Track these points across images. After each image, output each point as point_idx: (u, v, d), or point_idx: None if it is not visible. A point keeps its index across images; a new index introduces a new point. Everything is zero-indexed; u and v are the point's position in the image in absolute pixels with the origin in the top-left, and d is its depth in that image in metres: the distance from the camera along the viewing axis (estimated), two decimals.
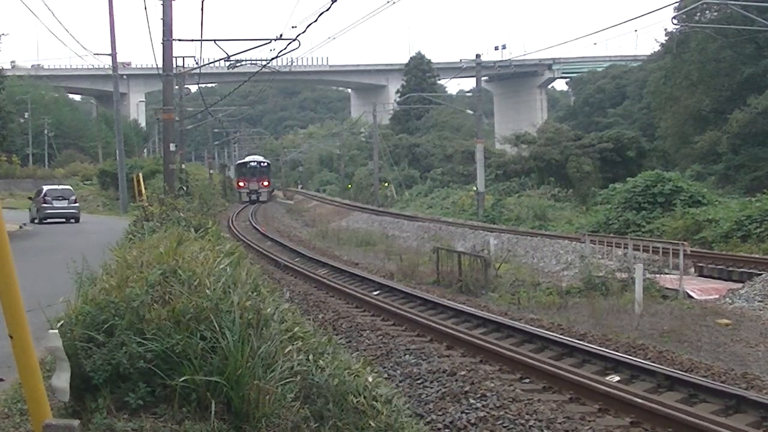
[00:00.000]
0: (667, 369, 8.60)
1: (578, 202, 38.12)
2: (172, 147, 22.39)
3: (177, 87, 32.10)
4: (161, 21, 21.38)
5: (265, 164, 59.45)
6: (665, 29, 58.63)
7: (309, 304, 13.60)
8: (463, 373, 8.46)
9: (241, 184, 57.04)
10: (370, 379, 5.50)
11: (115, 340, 4.66)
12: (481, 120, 41.71)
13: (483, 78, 48.78)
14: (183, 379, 4.52)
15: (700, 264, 18.59)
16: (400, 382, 8.50)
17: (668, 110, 43.52)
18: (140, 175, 28.72)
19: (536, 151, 44.85)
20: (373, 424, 4.90)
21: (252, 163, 58.09)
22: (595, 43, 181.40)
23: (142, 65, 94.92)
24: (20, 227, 25.54)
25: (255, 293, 5.90)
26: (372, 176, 58.01)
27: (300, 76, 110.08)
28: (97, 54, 62.76)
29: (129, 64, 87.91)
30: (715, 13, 38.15)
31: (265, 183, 58.39)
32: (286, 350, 5.30)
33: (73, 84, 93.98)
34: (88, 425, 4.28)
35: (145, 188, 28.04)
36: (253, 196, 55.06)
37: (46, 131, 65.63)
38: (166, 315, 4.83)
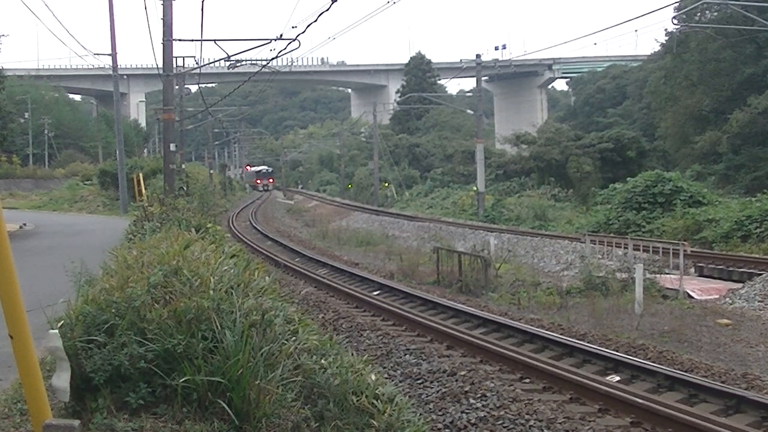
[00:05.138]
0: (667, 369, 8.60)
1: (578, 202, 38.12)
2: (172, 147, 22.38)
3: (177, 87, 32.08)
4: (161, 21, 21.38)
5: (271, 170, 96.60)
6: (665, 29, 58.75)
7: (309, 304, 13.59)
8: (463, 373, 8.46)
9: (258, 181, 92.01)
10: (373, 377, 5.50)
11: (115, 341, 4.66)
12: (481, 120, 41.71)
13: (483, 78, 48.73)
14: (184, 379, 4.52)
15: (700, 264, 18.58)
16: (401, 382, 8.50)
17: (668, 110, 43.51)
18: (140, 175, 28.73)
19: (536, 151, 44.85)
20: (374, 424, 4.90)
21: (263, 170, 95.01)
22: (595, 43, 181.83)
23: (142, 65, 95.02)
24: (20, 227, 25.52)
25: (262, 295, 5.90)
26: (372, 176, 58.02)
27: (300, 76, 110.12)
28: (97, 54, 62.73)
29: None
30: (715, 13, 38.13)
31: (271, 180, 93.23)
32: (290, 350, 5.30)
33: (73, 84, 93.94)
34: (89, 425, 4.28)
35: (146, 188, 28.05)
36: (264, 188, 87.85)
37: (46, 131, 65.54)
38: (168, 315, 4.84)
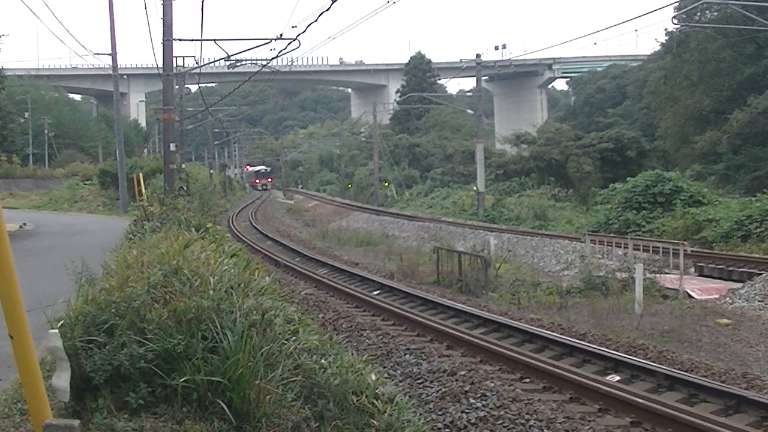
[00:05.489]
0: (667, 369, 8.60)
1: (578, 202, 38.13)
2: (172, 147, 22.38)
3: (177, 87, 32.08)
4: (161, 21, 21.38)
5: (269, 170, 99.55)
6: (665, 29, 58.76)
7: (309, 304, 13.59)
8: (463, 372, 8.46)
9: (257, 181, 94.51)
10: (374, 377, 5.50)
11: (115, 341, 4.66)
12: (481, 120, 41.71)
13: (483, 78, 48.75)
14: (184, 379, 4.52)
15: (700, 264, 18.58)
16: (401, 381, 8.50)
17: (668, 110, 43.53)
18: (140, 175, 28.72)
19: (536, 151, 44.86)
20: (374, 424, 4.90)
21: (262, 170, 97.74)
22: (595, 43, 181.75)
23: (142, 65, 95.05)
24: (20, 227, 25.53)
25: (262, 294, 5.91)
26: (372, 176, 58.03)
27: (300, 76, 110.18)
28: (98, 54, 62.73)
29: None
30: (715, 13, 38.15)
31: (269, 180, 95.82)
32: (290, 350, 5.30)
33: (73, 84, 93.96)
34: (89, 425, 4.28)
35: (146, 188, 28.04)
36: (263, 187, 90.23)
37: (46, 131, 65.55)
38: (167, 315, 4.84)
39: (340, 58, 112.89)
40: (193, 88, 78.30)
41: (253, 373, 4.64)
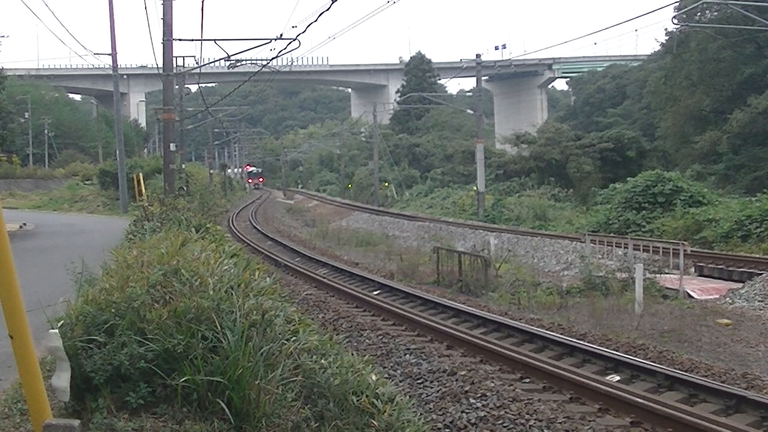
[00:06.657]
0: (667, 369, 8.60)
1: (578, 202, 38.10)
2: (172, 147, 22.36)
3: (177, 87, 32.06)
4: (161, 21, 21.36)
5: (260, 170, 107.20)
6: (665, 29, 58.78)
7: (309, 304, 13.59)
8: (463, 372, 8.46)
9: (250, 181, 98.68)
10: (374, 377, 5.50)
11: (115, 341, 4.66)
12: (481, 120, 41.69)
13: (483, 78, 48.75)
14: (184, 379, 4.52)
15: (700, 264, 18.57)
16: (401, 381, 8.50)
17: (668, 110, 43.53)
18: (140, 175, 28.70)
19: (536, 151, 44.83)
20: (374, 424, 4.90)
21: (254, 171, 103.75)
22: (595, 43, 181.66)
23: (142, 65, 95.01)
24: (20, 227, 25.52)
25: (262, 295, 5.91)
26: (372, 176, 58.03)
27: (300, 76, 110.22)
28: (98, 54, 62.47)
29: None
30: (715, 13, 38.15)
31: (261, 179, 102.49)
32: (290, 350, 5.30)
33: (73, 84, 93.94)
34: (89, 425, 4.29)
35: (146, 188, 28.02)
36: (255, 186, 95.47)
37: (46, 131, 65.50)
38: (167, 315, 4.84)
39: (400, 57, 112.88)
40: (193, 88, 78.40)
41: (253, 373, 4.64)
